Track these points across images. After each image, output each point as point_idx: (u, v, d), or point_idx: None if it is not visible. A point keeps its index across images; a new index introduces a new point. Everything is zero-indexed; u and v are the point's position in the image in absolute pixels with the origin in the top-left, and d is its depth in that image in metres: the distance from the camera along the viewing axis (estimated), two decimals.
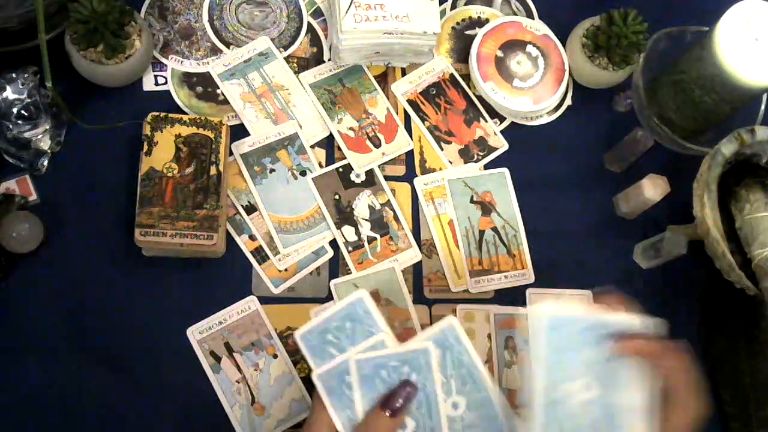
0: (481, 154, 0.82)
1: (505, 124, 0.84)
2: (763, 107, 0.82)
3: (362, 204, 0.77)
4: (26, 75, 0.71)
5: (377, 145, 0.80)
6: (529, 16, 0.88)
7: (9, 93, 0.70)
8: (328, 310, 0.56)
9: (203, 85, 0.79)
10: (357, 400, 0.53)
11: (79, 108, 0.74)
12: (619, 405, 0.52)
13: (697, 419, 0.51)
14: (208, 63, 0.79)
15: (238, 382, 0.70)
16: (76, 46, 0.71)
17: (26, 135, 0.71)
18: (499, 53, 0.83)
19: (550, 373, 0.52)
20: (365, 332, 0.56)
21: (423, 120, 0.82)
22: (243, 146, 0.77)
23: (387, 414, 0.52)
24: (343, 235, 0.76)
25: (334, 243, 0.76)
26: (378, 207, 0.78)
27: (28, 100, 0.70)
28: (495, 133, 0.83)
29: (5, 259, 0.68)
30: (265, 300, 0.73)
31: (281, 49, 0.81)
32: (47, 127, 0.72)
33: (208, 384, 0.69)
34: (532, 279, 0.78)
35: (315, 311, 0.73)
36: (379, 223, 0.77)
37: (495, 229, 0.79)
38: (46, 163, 0.73)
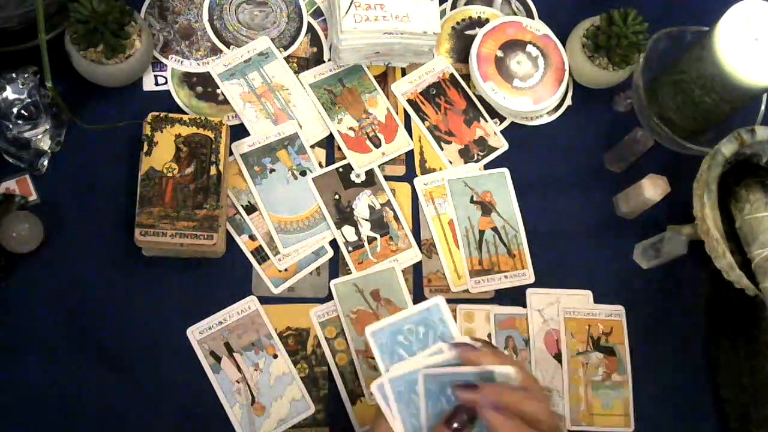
0: (481, 154, 0.82)
1: (505, 124, 0.84)
2: (763, 107, 0.82)
3: (362, 204, 0.77)
4: (26, 75, 0.71)
5: (377, 145, 0.80)
6: (529, 16, 0.88)
7: (9, 93, 0.70)
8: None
9: (203, 85, 0.79)
10: (422, 413, 0.53)
11: (79, 108, 0.74)
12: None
13: None
14: (208, 63, 0.79)
15: (238, 382, 0.70)
16: (76, 46, 0.71)
17: (26, 135, 0.71)
18: (499, 53, 0.83)
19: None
20: (437, 340, 0.56)
21: (423, 120, 0.82)
22: (243, 146, 0.77)
23: (453, 429, 0.51)
24: (343, 235, 0.76)
25: (334, 243, 0.76)
26: (378, 207, 0.78)
27: (28, 100, 0.70)
28: (495, 133, 0.83)
29: (5, 259, 0.68)
30: (265, 300, 0.73)
31: (281, 49, 0.81)
32: (47, 127, 0.72)
33: (208, 384, 0.69)
34: (532, 279, 0.78)
35: (314, 311, 0.73)
36: (379, 223, 0.77)
37: (495, 229, 0.79)
38: (46, 163, 0.73)
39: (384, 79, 0.83)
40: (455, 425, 0.51)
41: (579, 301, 0.78)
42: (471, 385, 0.52)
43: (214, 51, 0.80)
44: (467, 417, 0.51)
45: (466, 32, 0.87)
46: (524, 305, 0.77)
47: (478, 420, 0.52)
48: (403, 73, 0.84)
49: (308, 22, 0.83)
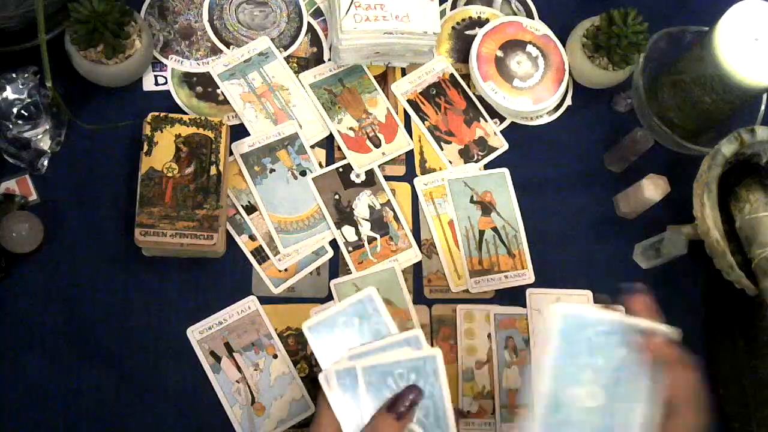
0: (481, 154, 0.82)
1: (505, 124, 0.84)
2: (763, 107, 0.82)
3: (362, 204, 0.77)
4: (26, 75, 0.71)
5: (377, 145, 0.80)
6: (529, 16, 0.88)
7: (9, 93, 0.70)
8: (337, 305, 0.57)
9: (203, 85, 0.79)
10: (363, 404, 0.53)
11: (79, 108, 0.74)
12: (621, 418, 0.51)
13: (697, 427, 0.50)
14: (208, 63, 0.79)
15: (238, 382, 0.70)
16: (76, 46, 0.71)
17: (26, 135, 0.71)
18: (499, 53, 0.83)
19: (557, 375, 0.52)
20: (373, 330, 0.56)
21: (423, 120, 0.82)
22: (243, 146, 0.77)
23: (393, 417, 0.52)
24: (343, 235, 0.76)
25: (334, 243, 0.76)
26: (378, 207, 0.78)
27: (28, 100, 0.70)
28: (495, 133, 0.83)
29: (5, 259, 0.68)
30: (265, 300, 0.73)
31: (281, 49, 0.81)
32: (47, 127, 0.72)
33: (208, 384, 0.69)
34: (532, 279, 0.78)
35: (315, 311, 0.73)
36: (379, 223, 0.77)
37: (495, 229, 0.79)
38: (46, 163, 0.73)
39: (384, 79, 0.83)
40: (403, 408, 0.51)
41: (579, 301, 0.78)
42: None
43: (214, 51, 0.80)
44: (409, 403, 0.52)
45: (466, 32, 0.87)
46: (524, 305, 0.77)
47: (417, 406, 0.52)
48: (403, 73, 0.84)
49: (308, 22, 0.83)
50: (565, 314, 0.52)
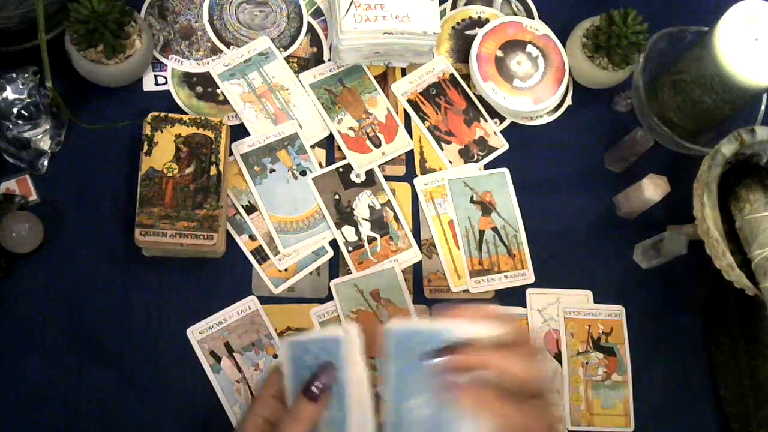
0: (481, 154, 0.82)
1: (505, 124, 0.84)
2: (763, 107, 0.82)
3: (362, 204, 0.77)
4: (26, 75, 0.71)
5: (377, 145, 0.80)
6: (529, 16, 0.88)
7: (9, 93, 0.70)
8: (313, 333, 0.54)
9: (203, 85, 0.79)
10: (288, 381, 0.51)
11: (79, 108, 0.74)
12: (447, 421, 0.48)
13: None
14: (208, 63, 0.79)
15: (238, 382, 0.70)
16: (76, 46, 0.71)
17: (26, 135, 0.71)
18: (499, 53, 0.83)
19: (395, 391, 0.50)
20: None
21: (423, 120, 0.82)
22: (243, 146, 0.77)
23: (309, 399, 0.50)
24: (343, 235, 0.76)
25: (334, 243, 0.76)
26: (378, 207, 0.78)
27: (28, 100, 0.70)
28: (495, 133, 0.83)
29: (5, 259, 0.68)
30: (265, 300, 0.73)
31: (281, 49, 0.81)
32: (47, 127, 0.72)
33: (208, 384, 0.69)
34: (532, 279, 0.78)
35: (314, 311, 0.73)
36: (379, 223, 0.77)
37: (495, 229, 0.79)
38: (46, 163, 0.73)
39: (384, 79, 0.83)
40: (313, 390, 0.50)
41: (579, 301, 0.78)
42: (444, 349, 0.47)
43: (214, 51, 0.80)
44: (321, 385, 0.50)
45: (466, 32, 0.87)
46: (524, 305, 0.77)
47: (335, 385, 0.50)
48: (403, 73, 0.84)
49: (308, 22, 0.83)
50: (392, 330, 0.50)
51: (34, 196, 0.72)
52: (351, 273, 0.75)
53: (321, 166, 0.78)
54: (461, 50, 0.86)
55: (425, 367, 0.48)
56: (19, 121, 0.70)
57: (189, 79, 0.79)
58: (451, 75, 0.85)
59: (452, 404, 0.47)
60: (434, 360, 0.48)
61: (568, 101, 0.86)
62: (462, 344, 0.47)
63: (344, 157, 0.79)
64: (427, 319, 0.51)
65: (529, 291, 0.77)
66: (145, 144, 0.71)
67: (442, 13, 0.87)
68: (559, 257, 0.79)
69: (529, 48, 0.84)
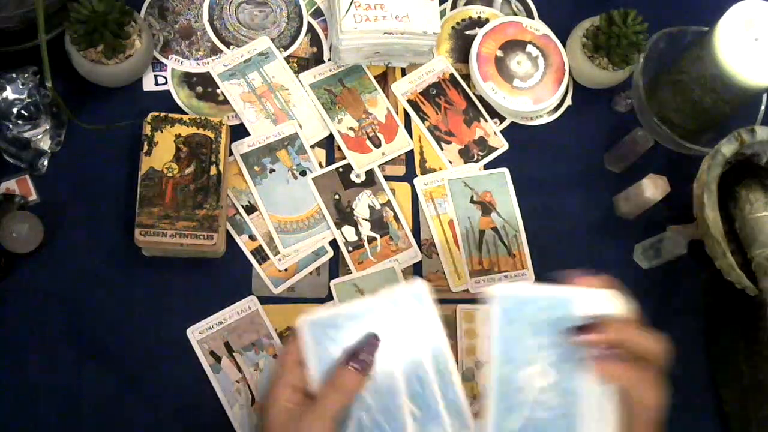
0: (481, 154, 0.82)
1: (505, 124, 0.84)
2: (763, 107, 0.82)
3: (362, 204, 0.77)
4: (26, 75, 0.71)
5: (377, 145, 0.80)
6: (529, 16, 0.88)
7: (9, 93, 0.70)
8: (342, 307, 0.54)
9: (203, 85, 0.79)
10: (312, 360, 0.51)
11: (79, 108, 0.74)
12: (578, 391, 0.50)
13: (657, 408, 0.51)
14: (208, 63, 0.79)
15: (238, 382, 0.70)
16: (76, 46, 0.71)
17: (26, 135, 0.71)
18: (499, 53, 0.83)
19: (506, 359, 0.51)
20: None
21: (423, 120, 0.82)
22: (243, 146, 0.77)
23: (353, 368, 0.51)
24: (343, 235, 0.76)
25: (334, 243, 0.76)
26: (378, 207, 0.78)
27: (28, 100, 0.70)
28: (495, 133, 0.83)
29: (5, 259, 0.68)
30: (265, 300, 0.73)
31: (281, 49, 0.81)
32: (47, 127, 0.72)
33: (208, 384, 0.69)
34: (532, 279, 0.78)
35: (303, 314, 0.73)
36: (379, 223, 0.77)
37: (495, 229, 0.79)
38: (46, 163, 0.73)
39: (384, 79, 0.83)
40: (362, 358, 0.50)
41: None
42: (586, 327, 0.50)
43: (214, 51, 0.80)
44: (368, 353, 0.51)
45: (466, 32, 0.87)
46: None
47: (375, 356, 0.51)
48: (403, 73, 0.84)
49: (308, 22, 0.83)
50: (503, 296, 0.51)
51: (34, 196, 0.72)
52: (351, 273, 0.75)
53: (321, 166, 0.78)
54: (461, 50, 0.86)
55: (568, 342, 0.49)
56: (19, 121, 0.70)
57: (189, 79, 0.79)
58: (451, 75, 0.85)
59: (580, 375, 0.49)
60: (580, 337, 0.49)
61: (568, 101, 0.86)
62: (598, 320, 0.50)
63: (344, 157, 0.79)
64: (538, 287, 0.52)
65: None
66: (145, 144, 0.71)
67: (442, 13, 0.87)
68: (559, 257, 0.79)
69: (529, 48, 0.84)
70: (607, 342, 0.50)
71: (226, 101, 0.78)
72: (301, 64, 0.82)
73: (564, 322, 0.50)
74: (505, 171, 0.81)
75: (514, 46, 0.84)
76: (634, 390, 0.50)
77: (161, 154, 0.71)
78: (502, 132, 0.83)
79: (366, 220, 0.77)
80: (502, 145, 0.83)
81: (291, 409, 0.51)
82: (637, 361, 0.50)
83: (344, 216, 0.76)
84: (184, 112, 0.76)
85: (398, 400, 0.51)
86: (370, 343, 0.51)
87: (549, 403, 0.50)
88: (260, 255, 0.74)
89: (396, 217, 0.78)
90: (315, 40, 0.83)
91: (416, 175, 0.80)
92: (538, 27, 0.85)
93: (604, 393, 0.50)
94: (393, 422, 0.51)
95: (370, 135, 0.80)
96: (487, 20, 0.87)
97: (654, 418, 0.50)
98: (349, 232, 0.76)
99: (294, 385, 0.52)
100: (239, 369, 0.70)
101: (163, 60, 0.79)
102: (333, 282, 0.74)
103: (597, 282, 0.52)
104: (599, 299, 0.51)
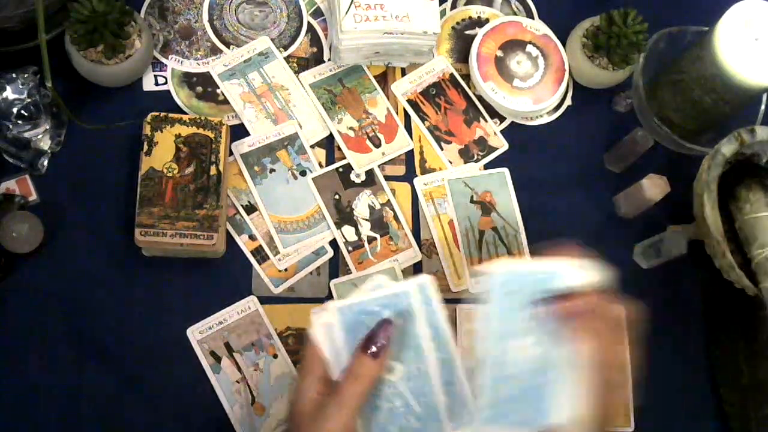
0: (481, 154, 0.82)
1: (505, 124, 0.84)
2: (763, 107, 0.82)
3: (362, 204, 0.77)
4: (26, 75, 0.71)
5: (377, 145, 0.80)
6: (529, 16, 0.88)
7: (9, 93, 0.70)
8: (364, 294, 0.54)
9: (203, 85, 0.79)
10: (343, 346, 0.52)
11: (79, 108, 0.74)
12: (553, 360, 0.52)
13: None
14: (208, 63, 0.79)
15: (238, 382, 0.70)
16: (76, 46, 0.71)
17: (26, 135, 0.71)
18: (499, 53, 0.83)
19: (496, 331, 0.53)
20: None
21: (423, 120, 0.82)
22: (243, 146, 0.77)
23: (369, 356, 0.51)
24: (343, 235, 0.76)
25: (334, 243, 0.76)
26: (378, 207, 0.78)
27: (28, 100, 0.70)
28: (495, 133, 0.83)
29: (5, 259, 0.68)
30: (265, 300, 0.73)
31: (281, 49, 0.81)
32: (47, 127, 0.72)
33: (208, 384, 0.69)
34: None
35: (315, 311, 0.73)
36: (379, 223, 0.77)
37: (495, 229, 0.79)
38: (46, 163, 0.73)
39: (384, 79, 0.83)
40: (377, 344, 0.51)
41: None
42: (561, 296, 0.52)
43: (214, 51, 0.80)
44: (383, 340, 0.51)
45: (466, 32, 0.87)
46: None
47: (407, 338, 0.52)
48: (403, 73, 0.84)
49: (308, 22, 0.83)
50: (496, 274, 0.53)
51: (34, 196, 0.72)
52: (351, 273, 0.75)
53: (321, 166, 0.78)
54: (461, 50, 0.86)
55: (539, 312, 0.52)
56: (19, 121, 0.70)
57: (189, 79, 0.79)
58: (451, 75, 0.85)
59: (561, 342, 0.52)
60: (555, 306, 0.52)
61: (568, 101, 0.86)
62: (572, 291, 0.52)
63: (344, 157, 0.79)
64: (530, 262, 0.55)
65: None
66: (145, 144, 0.71)
67: (442, 13, 0.87)
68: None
69: (529, 48, 0.84)
70: (581, 309, 0.52)
71: (226, 101, 0.78)
72: (301, 64, 0.82)
73: (546, 294, 0.53)
74: (505, 171, 0.81)
75: (514, 46, 0.84)
76: (607, 351, 0.52)
77: (161, 154, 0.71)
78: (502, 132, 0.83)
79: (366, 220, 0.77)
80: (502, 145, 0.83)
81: (316, 399, 0.51)
82: (608, 325, 0.52)
83: (344, 216, 0.76)
84: (184, 112, 0.76)
85: (430, 384, 0.53)
86: (384, 327, 0.51)
87: (534, 373, 0.53)
88: (260, 255, 0.74)
89: (396, 217, 0.78)
90: (315, 40, 0.83)
91: (416, 175, 0.80)
92: (538, 27, 0.85)
93: (577, 361, 0.52)
94: (426, 407, 0.53)
95: (370, 135, 0.80)
96: (487, 20, 0.87)
97: (625, 380, 0.53)
98: (349, 232, 0.76)
99: (320, 376, 0.52)
100: (239, 369, 0.70)
101: (163, 60, 0.79)
102: (333, 282, 0.74)
103: (576, 252, 0.54)
104: (577, 270, 0.53)
